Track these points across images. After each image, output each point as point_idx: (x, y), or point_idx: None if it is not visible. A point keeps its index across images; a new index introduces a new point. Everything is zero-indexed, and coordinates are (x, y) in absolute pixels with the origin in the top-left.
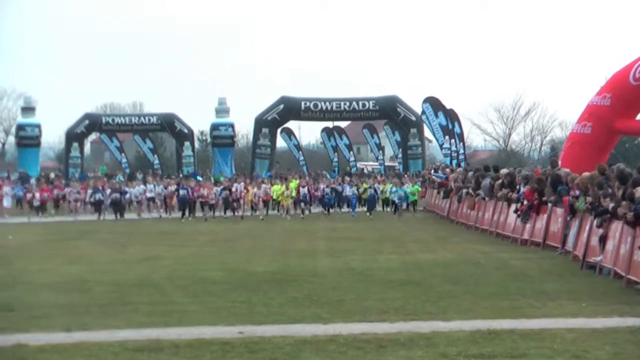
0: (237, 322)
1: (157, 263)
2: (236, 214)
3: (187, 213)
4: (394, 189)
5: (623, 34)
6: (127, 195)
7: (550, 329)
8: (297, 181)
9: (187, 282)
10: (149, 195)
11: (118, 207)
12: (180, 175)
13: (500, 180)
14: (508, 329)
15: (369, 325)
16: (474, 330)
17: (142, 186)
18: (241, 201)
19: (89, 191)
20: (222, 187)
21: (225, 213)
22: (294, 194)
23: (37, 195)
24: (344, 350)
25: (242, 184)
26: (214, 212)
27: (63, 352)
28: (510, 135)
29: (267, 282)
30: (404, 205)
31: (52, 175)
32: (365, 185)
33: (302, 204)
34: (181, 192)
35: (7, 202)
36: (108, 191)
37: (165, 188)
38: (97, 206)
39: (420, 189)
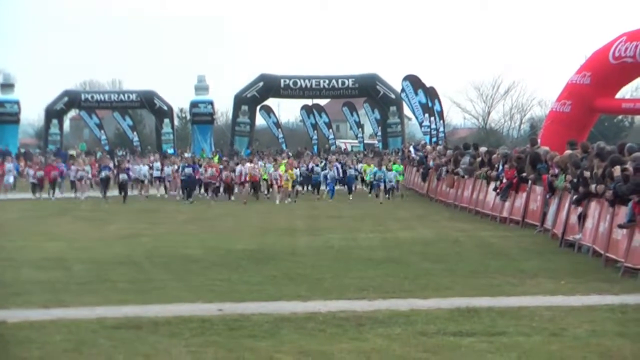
0: (217, 299)
1: (136, 241)
2: (231, 198)
3: (191, 194)
4: (374, 169)
5: (603, 12)
6: (132, 175)
7: (528, 306)
8: (285, 162)
9: (166, 259)
10: (155, 174)
11: (124, 186)
12: (182, 153)
13: (479, 158)
14: (486, 307)
15: (348, 303)
16: (452, 308)
17: (153, 164)
18: (247, 185)
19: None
20: (221, 167)
21: (229, 198)
22: (293, 176)
23: (31, 172)
24: (323, 327)
25: (247, 165)
26: (216, 194)
27: (41, 329)
28: (489, 113)
29: (247, 260)
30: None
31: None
32: (368, 167)
33: (297, 187)
34: (186, 170)
35: (10, 179)
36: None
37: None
38: (105, 184)
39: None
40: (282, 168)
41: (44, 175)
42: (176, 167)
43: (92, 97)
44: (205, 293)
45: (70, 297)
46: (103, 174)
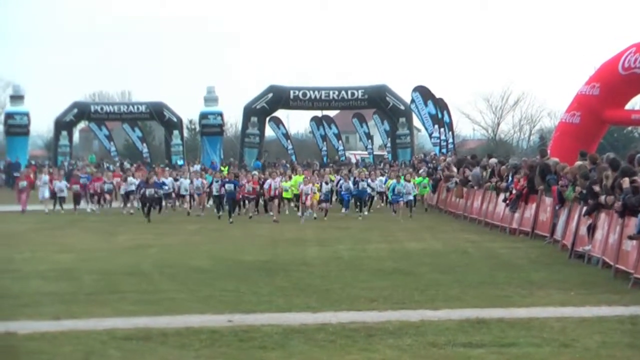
0: (226, 310)
1: (145, 251)
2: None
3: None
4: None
5: (612, 23)
6: (167, 187)
7: (538, 317)
8: (302, 176)
9: (175, 270)
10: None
11: (156, 201)
12: (189, 164)
13: (490, 169)
14: (497, 318)
15: (358, 314)
16: (462, 319)
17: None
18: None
19: (131, 180)
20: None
21: (256, 212)
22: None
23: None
24: (333, 338)
25: (278, 179)
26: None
27: (52, 340)
28: (499, 124)
29: (256, 270)
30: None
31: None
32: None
33: (324, 204)
34: (227, 186)
35: (46, 193)
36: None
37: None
38: (145, 201)
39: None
40: (299, 179)
41: (86, 188)
42: (204, 181)
43: (102, 108)
44: (214, 304)
45: (79, 308)
46: (149, 191)
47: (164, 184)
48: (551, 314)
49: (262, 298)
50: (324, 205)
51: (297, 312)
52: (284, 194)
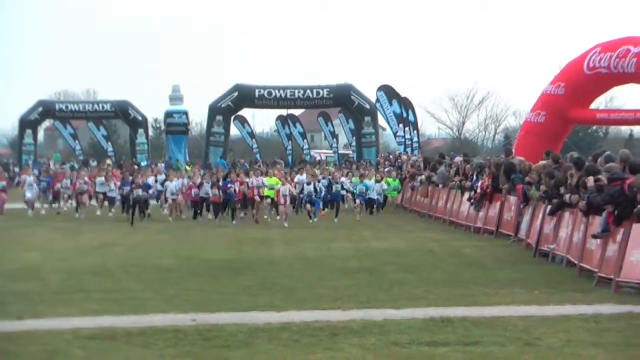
0: (191, 310)
1: (111, 251)
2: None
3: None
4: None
5: (577, 23)
6: (152, 191)
7: (503, 316)
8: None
9: (140, 269)
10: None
11: (142, 204)
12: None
13: (455, 168)
14: (461, 317)
15: (322, 313)
16: (427, 318)
17: (179, 180)
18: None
19: (110, 182)
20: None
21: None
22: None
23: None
24: (297, 338)
25: (261, 178)
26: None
27: (16, 340)
28: (464, 124)
29: (222, 270)
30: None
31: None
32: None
33: (308, 205)
34: (229, 186)
35: (30, 194)
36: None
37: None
38: (129, 203)
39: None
40: (275, 182)
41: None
42: (186, 181)
43: (67, 107)
44: (179, 303)
45: (45, 307)
46: (124, 189)
47: (149, 186)
48: (515, 313)
49: (227, 297)
50: (308, 207)
51: (261, 311)
52: (266, 192)
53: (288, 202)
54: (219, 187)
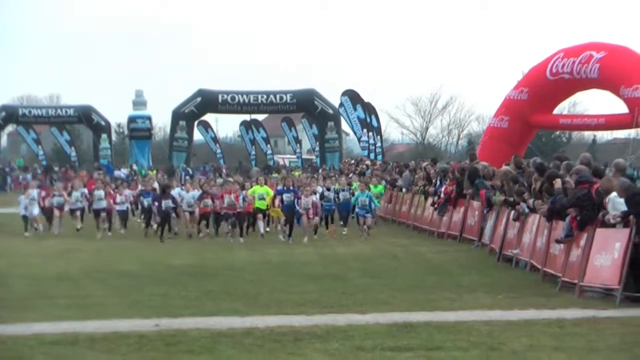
0: (154, 315)
1: (74, 256)
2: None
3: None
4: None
5: (540, 28)
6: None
7: (466, 321)
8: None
9: (104, 275)
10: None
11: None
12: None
13: (421, 173)
14: (424, 322)
15: (286, 318)
16: (390, 323)
17: (194, 191)
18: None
19: (126, 193)
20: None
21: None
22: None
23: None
24: (261, 343)
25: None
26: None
27: None
28: (427, 128)
29: (185, 275)
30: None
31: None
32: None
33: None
34: (285, 196)
35: (36, 210)
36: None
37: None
38: (148, 216)
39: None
40: (265, 190)
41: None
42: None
43: (30, 112)
44: (142, 309)
45: (8, 313)
46: (144, 202)
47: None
48: (479, 318)
49: (191, 302)
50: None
51: (225, 316)
52: (257, 204)
53: (310, 214)
54: (212, 197)
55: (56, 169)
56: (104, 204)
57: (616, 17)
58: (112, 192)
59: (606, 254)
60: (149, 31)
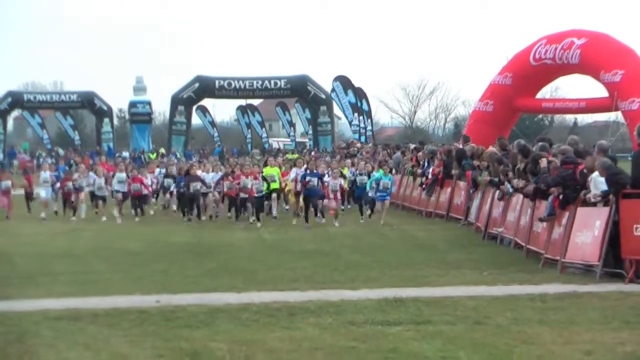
0: (154, 291)
1: (78, 235)
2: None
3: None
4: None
5: (524, 15)
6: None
7: (452, 296)
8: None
9: (107, 253)
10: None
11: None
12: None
13: (410, 155)
14: (413, 297)
15: (281, 294)
16: (380, 299)
17: (217, 172)
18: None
19: (149, 177)
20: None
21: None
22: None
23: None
24: (257, 317)
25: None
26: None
27: None
28: (415, 112)
29: (185, 253)
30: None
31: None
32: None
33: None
34: (312, 179)
35: (46, 193)
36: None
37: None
38: (185, 202)
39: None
40: (275, 171)
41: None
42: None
43: (35, 97)
44: (144, 285)
45: (14, 290)
46: (194, 185)
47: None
48: (465, 293)
49: (190, 279)
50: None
51: (222, 292)
52: (272, 185)
53: (338, 197)
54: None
55: (61, 152)
56: (124, 187)
57: (596, 5)
58: (137, 174)
59: (587, 231)
60: (149, 19)
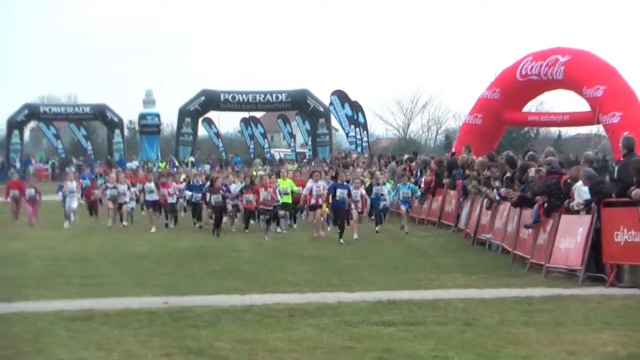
0: (162, 293)
1: (89, 239)
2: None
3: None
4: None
5: (511, 34)
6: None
7: (444, 299)
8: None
9: (116, 256)
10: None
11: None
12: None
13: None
14: (406, 299)
15: (281, 296)
16: (375, 301)
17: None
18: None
19: (180, 186)
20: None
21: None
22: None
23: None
24: (259, 318)
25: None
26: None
27: (4, 321)
28: (409, 125)
29: (191, 256)
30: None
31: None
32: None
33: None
34: (339, 191)
35: (74, 204)
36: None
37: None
38: (218, 213)
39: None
40: (288, 183)
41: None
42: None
43: (50, 109)
44: (152, 287)
45: (30, 291)
46: (215, 197)
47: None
48: (455, 296)
49: (196, 281)
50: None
51: (226, 294)
52: (284, 198)
53: (359, 206)
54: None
55: (75, 161)
56: (155, 196)
57: (580, 24)
58: (166, 181)
59: (570, 238)
60: (158, 36)
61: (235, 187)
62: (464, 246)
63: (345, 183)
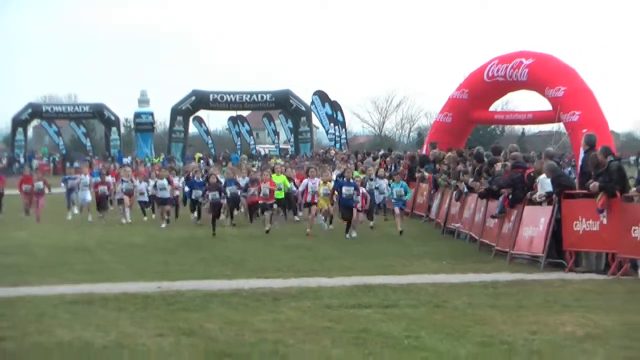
0: (157, 279)
1: (89, 230)
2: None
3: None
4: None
5: (478, 38)
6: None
7: (416, 283)
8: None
9: (114, 246)
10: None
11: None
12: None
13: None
14: (381, 284)
15: (266, 281)
16: (353, 285)
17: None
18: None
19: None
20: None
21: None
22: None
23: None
24: (245, 302)
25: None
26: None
27: (9, 304)
28: (384, 123)
29: (182, 245)
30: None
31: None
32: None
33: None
34: (345, 189)
35: (88, 197)
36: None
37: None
38: (216, 209)
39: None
40: (282, 179)
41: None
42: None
43: (52, 108)
44: (147, 273)
45: (33, 277)
46: (213, 195)
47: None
48: (426, 280)
49: (187, 268)
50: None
51: (215, 279)
52: (277, 194)
53: (359, 206)
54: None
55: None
56: (167, 193)
57: (543, 29)
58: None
59: (533, 227)
60: (152, 40)
61: (243, 182)
62: (435, 235)
63: (351, 180)
